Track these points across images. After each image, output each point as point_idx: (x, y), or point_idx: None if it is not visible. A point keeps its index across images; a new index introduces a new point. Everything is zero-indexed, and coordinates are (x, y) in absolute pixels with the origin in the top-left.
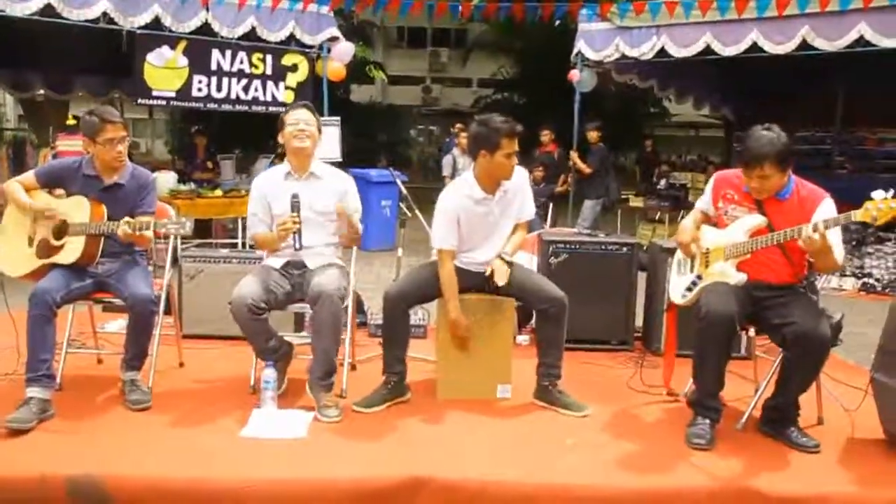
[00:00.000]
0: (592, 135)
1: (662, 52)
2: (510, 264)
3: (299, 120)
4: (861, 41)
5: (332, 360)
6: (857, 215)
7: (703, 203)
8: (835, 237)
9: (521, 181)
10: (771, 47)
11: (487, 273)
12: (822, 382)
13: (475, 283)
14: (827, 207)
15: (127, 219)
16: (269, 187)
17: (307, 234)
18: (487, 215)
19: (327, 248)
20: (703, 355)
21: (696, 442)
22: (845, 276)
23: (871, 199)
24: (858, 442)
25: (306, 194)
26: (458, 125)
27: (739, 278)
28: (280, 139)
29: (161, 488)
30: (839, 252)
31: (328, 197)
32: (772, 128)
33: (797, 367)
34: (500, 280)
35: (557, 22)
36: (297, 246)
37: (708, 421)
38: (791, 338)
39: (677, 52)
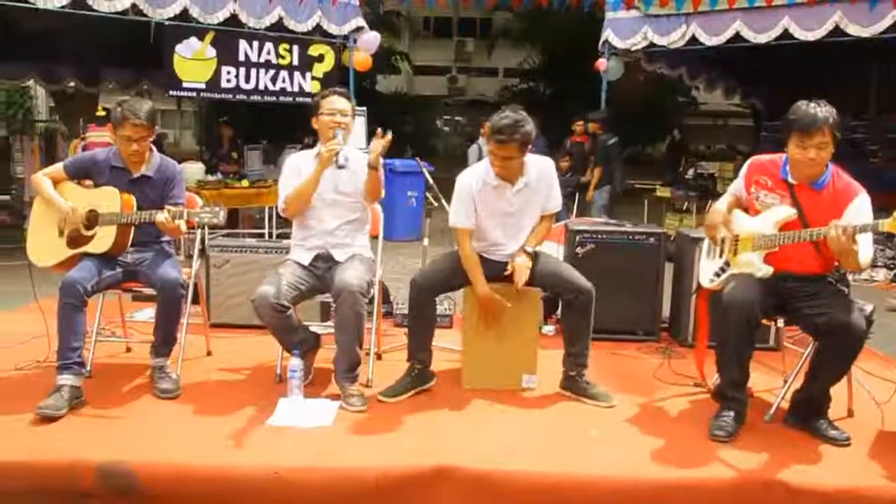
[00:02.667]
0: (592, 126)
1: (692, 40)
2: (534, 256)
3: (335, 110)
4: (895, 27)
5: (356, 354)
6: (885, 225)
7: (736, 187)
8: (864, 239)
9: (545, 172)
10: (802, 34)
11: (508, 272)
12: (853, 374)
13: (498, 272)
14: (860, 204)
15: (167, 207)
16: (304, 166)
17: (331, 216)
18: (507, 206)
19: (351, 230)
20: (726, 345)
21: (717, 434)
22: (877, 266)
23: None
24: (889, 435)
25: (335, 178)
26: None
27: (765, 271)
28: (314, 123)
29: (189, 475)
30: (865, 254)
31: (354, 180)
32: (819, 102)
33: (830, 359)
34: (520, 281)
35: (587, 10)
36: (342, 163)
37: (732, 413)
38: (825, 328)
39: (707, 39)
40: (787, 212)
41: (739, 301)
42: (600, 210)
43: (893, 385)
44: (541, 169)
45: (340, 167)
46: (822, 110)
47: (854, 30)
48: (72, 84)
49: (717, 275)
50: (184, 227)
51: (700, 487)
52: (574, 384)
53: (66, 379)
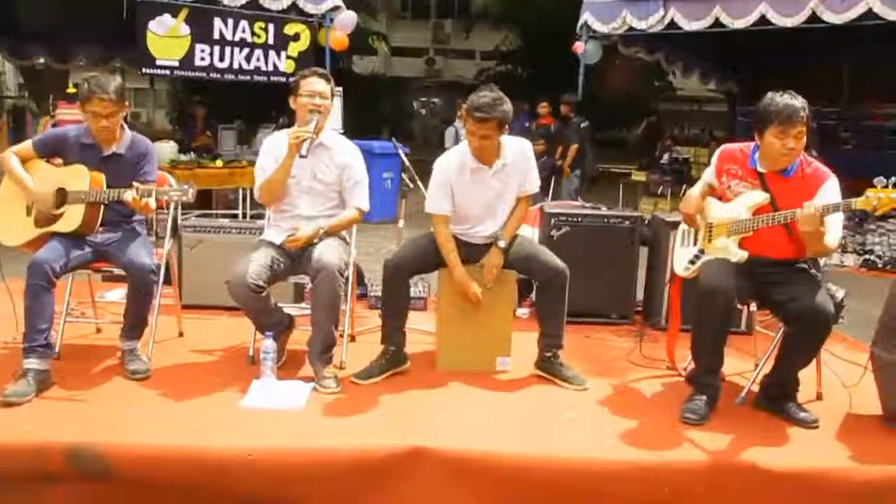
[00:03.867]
0: (564, 108)
1: (671, 24)
2: (505, 251)
3: (314, 92)
4: (869, 14)
5: (331, 334)
6: (858, 203)
7: (709, 175)
8: (833, 221)
9: (522, 153)
10: (779, 20)
11: (481, 264)
12: (822, 358)
13: (477, 255)
14: (830, 188)
15: (135, 184)
16: (278, 149)
17: (308, 204)
18: (486, 189)
19: (329, 219)
20: (701, 330)
21: (688, 417)
22: (847, 252)
23: (872, 186)
24: (857, 418)
25: (312, 164)
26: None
27: (740, 255)
28: (292, 103)
29: (160, 457)
30: (834, 236)
31: (332, 168)
32: (791, 93)
33: (799, 343)
34: (490, 280)
35: None
36: (304, 153)
37: (705, 397)
38: (794, 313)
39: (686, 24)
40: (759, 196)
41: (717, 286)
42: (570, 194)
43: (861, 368)
44: (517, 150)
45: (302, 157)
46: (798, 101)
47: (829, 17)
48: (42, 60)
49: (692, 262)
50: (153, 205)
51: (672, 469)
52: (549, 365)
53: (33, 363)
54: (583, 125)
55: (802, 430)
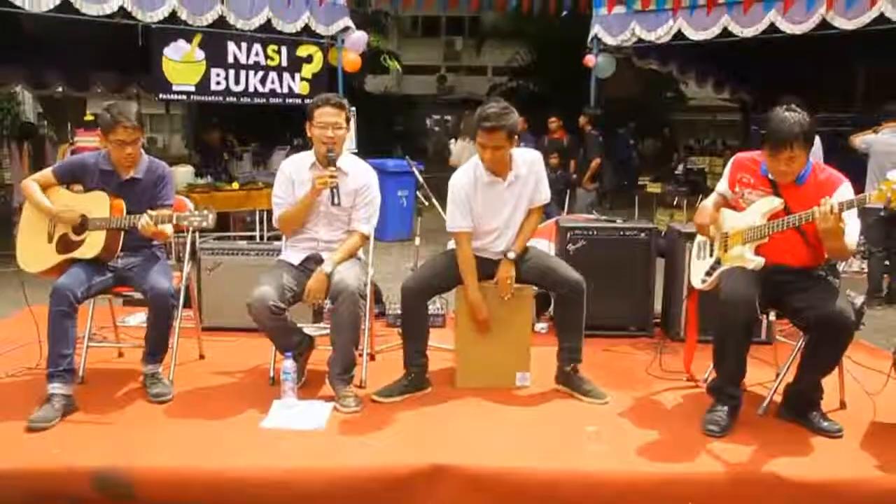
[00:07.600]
0: (582, 120)
1: (679, 35)
2: (516, 262)
3: (327, 124)
4: (881, 19)
5: (351, 355)
6: (872, 197)
7: (723, 185)
8: (850, 222)
9: (534, 166)
10: (789, 28)
11: (495, 282)
12: (845, 366)
13: (492, 270)
14: (844, 191)
15: (148, 211)
16: (296, 173)
17: (326, 228)
18: (502, 203)
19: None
20: (724, 341)
21: (711, 429)
22: (868, 258)
23: (886, 180)
24: (881, 426)
25: (330, 189)
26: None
27: (757, 262)
28: (308, 130)
29: (184, 479)
30: (852, 237)
31: (349, 194)
32: (794, 108)
33: (820, 351)
34: (506, 294)
35: (564, 12)
36: (336, 201)
37: (726, 408)
38: (814, 320)
39: (694, 34)
40: (774, 202)
41: (739, 296)
42: (586, 209)
43: (884, 376)
44: (529, 162)
45: (335, 205)
46: (792, 126)
47: (840, 23)
48: (60, 89)
49: (709, 274)
50: (170, 231)
51: (694, 481)
52: (569, 379)
53: (56, 388)
54: (601, 139)
55: (826, 439)
